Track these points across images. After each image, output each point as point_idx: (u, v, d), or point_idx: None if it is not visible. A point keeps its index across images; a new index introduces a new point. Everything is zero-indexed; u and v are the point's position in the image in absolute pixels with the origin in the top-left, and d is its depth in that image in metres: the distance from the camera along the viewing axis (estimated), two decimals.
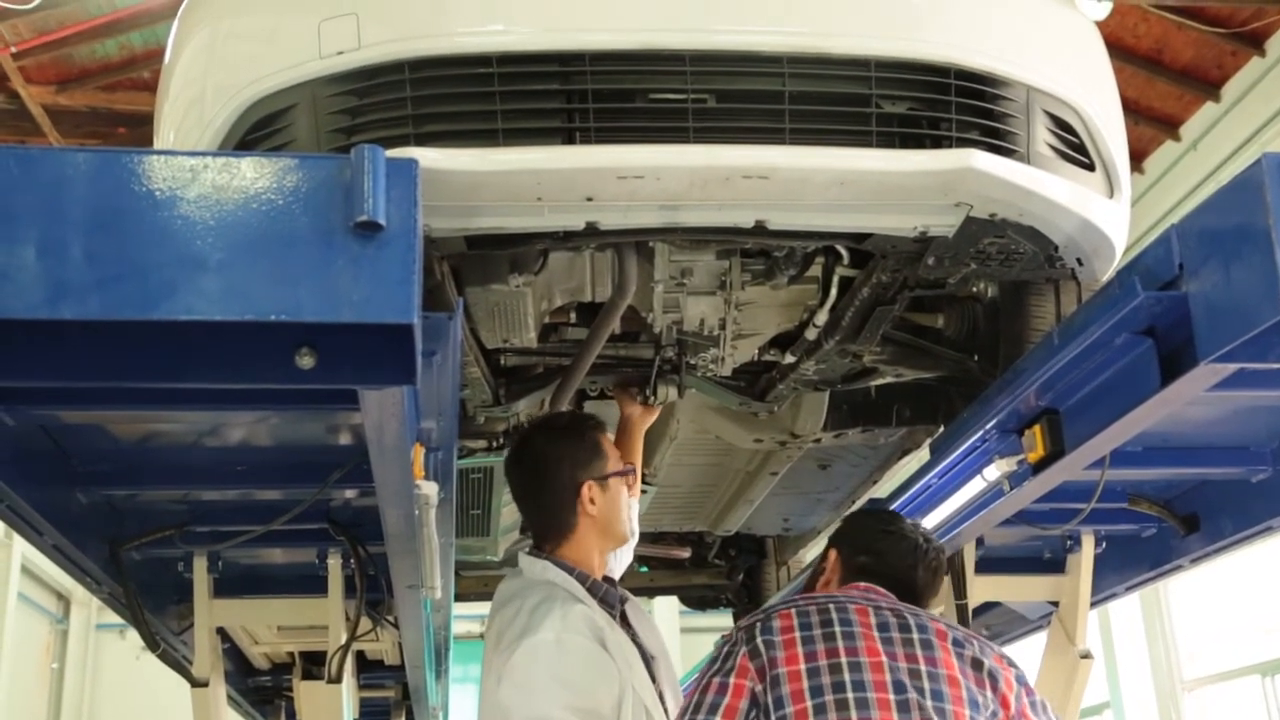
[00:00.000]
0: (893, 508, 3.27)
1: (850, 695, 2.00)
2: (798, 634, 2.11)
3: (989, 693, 2.09)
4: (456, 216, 2.27)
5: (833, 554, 2.46)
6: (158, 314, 1.59)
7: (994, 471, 2.74)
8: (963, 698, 2.05)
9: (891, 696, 2.00)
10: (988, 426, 2.72)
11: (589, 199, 2.27)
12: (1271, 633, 9.59)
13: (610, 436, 2.74)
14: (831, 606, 2.18)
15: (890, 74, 2.30)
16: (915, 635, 2.13)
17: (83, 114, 10.02)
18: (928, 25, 2.33)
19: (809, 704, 2.00)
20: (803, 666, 2.05)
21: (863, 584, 2.32)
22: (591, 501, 2.50)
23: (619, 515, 2.58)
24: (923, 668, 2.06)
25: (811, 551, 4.91)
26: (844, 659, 2.05)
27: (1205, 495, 3.04)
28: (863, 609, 2.17)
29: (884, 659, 2.06)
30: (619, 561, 2.83)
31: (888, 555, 2.39)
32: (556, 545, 2.52)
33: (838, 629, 2.11)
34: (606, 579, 2.57)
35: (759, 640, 2.11)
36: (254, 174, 1.66)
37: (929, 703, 2.01)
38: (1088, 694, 3.60)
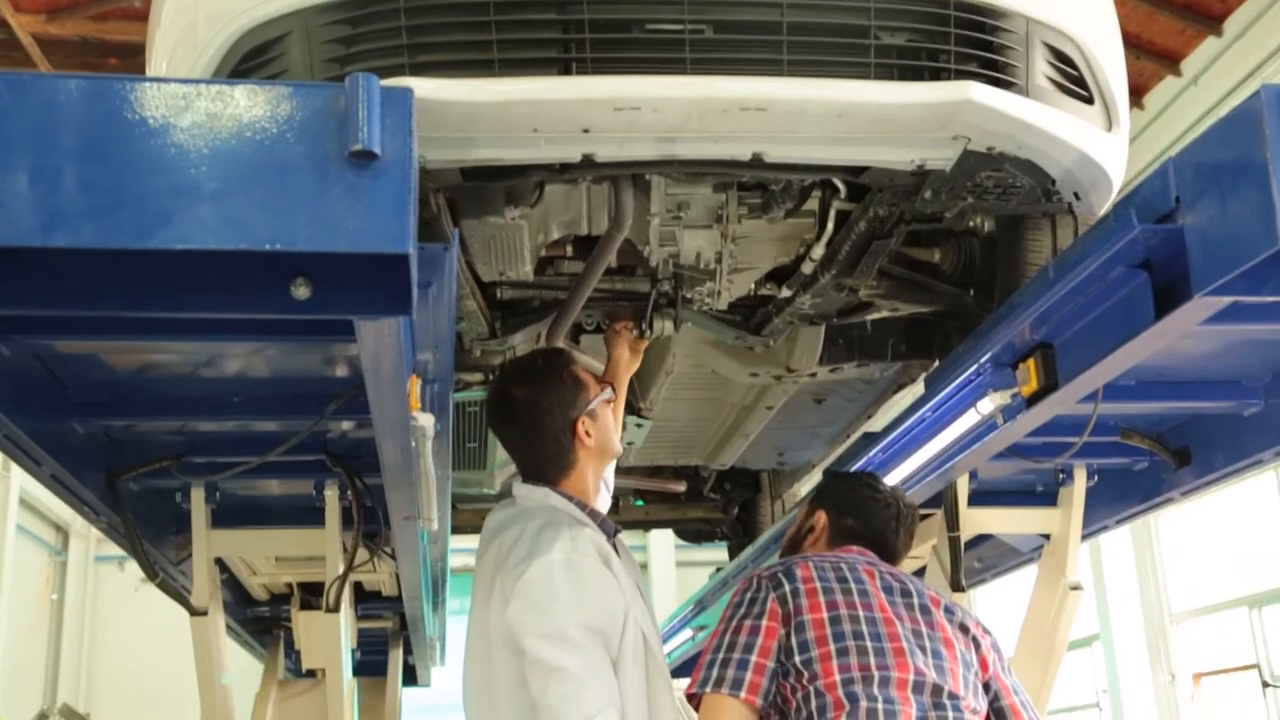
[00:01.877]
0: (887, 441, 3.29)
1: (869, 644, 2.17)
2: (818, 584, 2.27)
3: (973, 654, 2.31)
4: (452, 148, 2.26)
5: (821, 516, 2.60)
6: (152, 243, 1.58)
7: (988, 405, 2.76)
8: (957, 657, 2.25)
9: (904, 644, 2.18)
10: (982, 360, 2.73)
11: (585, 130, 2.26)
12: (1260, 565, 9.68)
13: (580, 365, 2.70)
14: (844, 565, 2.35)
15: (889, 5, 2.28)
16: (915, 600, 2.32)
17: (73, 44, 9.93)
18: None
19: (833, 647, 2.16)
20: (825, 614, 2.21)
21: (855, 547, 2.49)
22: (587, 434, 2.49)
23: (610, 436, 2.62)
24: (924, 629, 2.25)
25: (805, 486, 4.94)
26: (861, 612, 2.23)
27: (1197, 429, 3.06)
28: (870, 570, 2.35)
29: (893, 616, 2.24)
30: (607, 486, 2.86)
31: (873, 520, 2.55)
32: (557, 481, 2.49)
33: (853, 585, 2.28)
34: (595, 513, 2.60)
35: (786, 588, 2.25)
36: (248, 102, 1.64)
37: (931, 660, 2.19)
38: (1077, 626, 3.64)
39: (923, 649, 2.23)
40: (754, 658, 2.19)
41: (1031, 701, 2.43)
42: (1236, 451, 2.96)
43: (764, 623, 2.23)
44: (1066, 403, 2.62)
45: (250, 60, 2.27)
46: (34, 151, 1.59)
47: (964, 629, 2.35)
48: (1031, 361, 2.60)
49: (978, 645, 2.35)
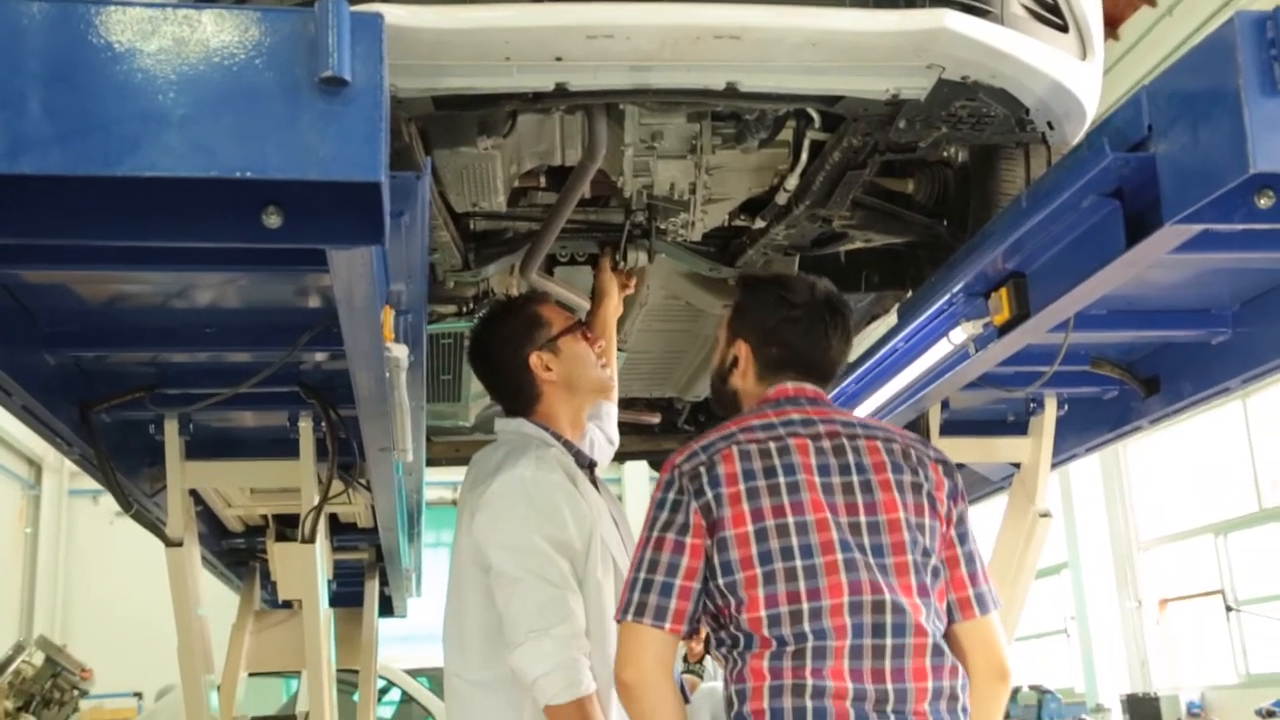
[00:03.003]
0: (860, 371, 3.31)
1: (799, 563, 1.94)
2: (742, 486, 2.01)
3: (926, 518, 2.05)
4: (423, 76, 2.24)
5: (742, 346, 2.27)
6: (120, 170, 1.57)
7: (960, 334, 2.78)
8: (904, 542, 2.00)
9: (839, 557, 1.95)
10: (955, 290, 2.74)
11: (558, 59, 2.24)
12: (1225, 493, 9.83)
13: (553, 305, 2.81)
14: (772, 446, 2.06)
15: None
16: (855, 478, 2.04)
17: None
18: None
19: (759, 571, 1.95)
20: (750, 528, 1.98)
21: (790, 387, 2.19)
22: (547, 369, 2.63)
23: (581, 369, 2.67)
24: (863, 519, 2.00)
25: None
26: (790, 518, 1.97)
27: (1166, 358, 3.09)
28: (802, 444, 2.06)
29: (827, 515, 1.98)
30: (605, 434, 2.92)
31: (798, 345, 2.23)
32: (527, 413, 2.65)
33: (781, 479, 2.01)
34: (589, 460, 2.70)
35: (708, 495, 2.01)
36: (215, 27, 1.62)
37: (871, 559, 1.96)
38: (1047, 554, 3.70)
39: (860, 546, 1.97)
40: (678, 581, 1.99)
41: (983, 561, 2.13)
42: (1205, 379, 2.99)
43: (688, 540, 2.00)
44: (1038, 332, 2.64)
45: None
46: None
47: (916, 488, 2.06)
48: (1004, 291, 2.62)
49: (932, 504, 2.06)
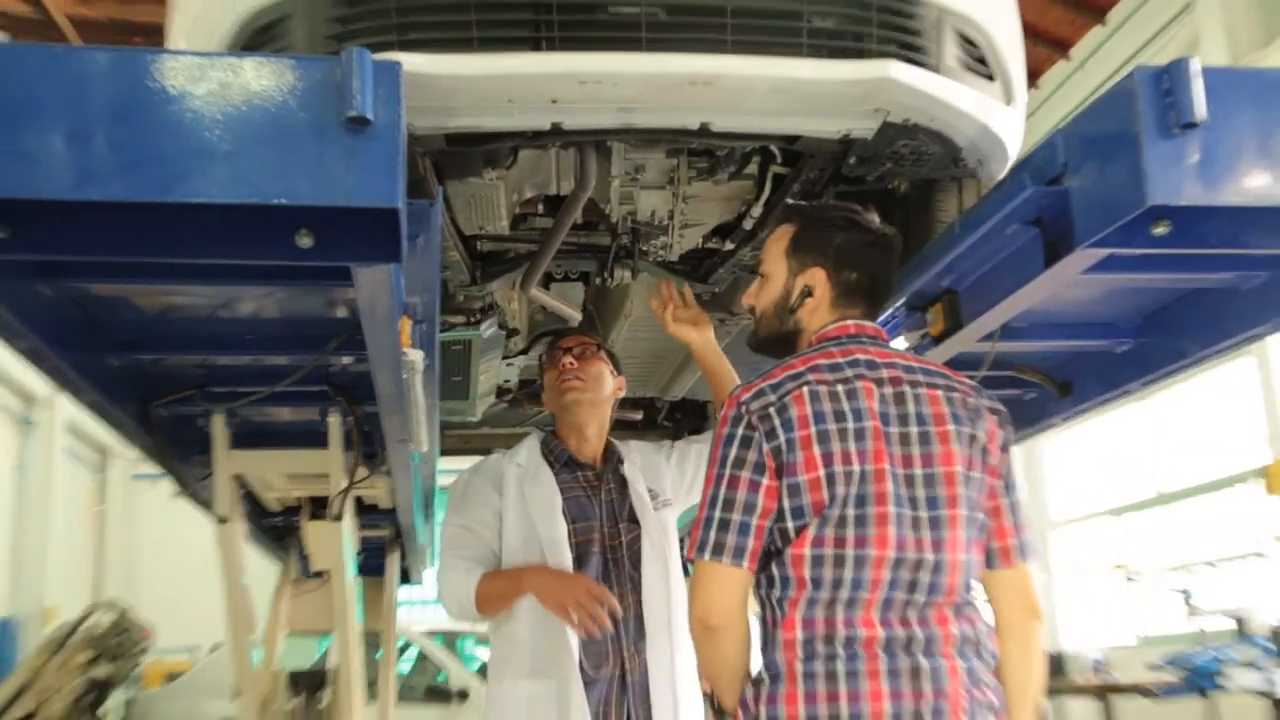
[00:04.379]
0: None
1: (851, 511, 1.75)
2: (813, 430, 1.78)
3: (978, 471, 1.85)
4: (436, 116, 2.23)
5: (820, 273, 1.99)
6: (173, 196, 1.57)
7: (902, 342, 2.77)
8: (957, 495, 1.81)
9: (890, 509, 1.76)
10: (897, 305, 2.74)
11: (554, 101, 2.23)
12: (1123, 481, 9.88)
13: (565, 340, 2.92)
14: (841, 390, 1.82)
15: None
16: (914, 429, 1.83)
17: (103, 24, 9.72)
18: None
19: (829, 512, 1.76)
20: (821, 473, 1.76)
21: (851, 324, 1.96)
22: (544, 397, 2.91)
23: (548, 395, 2.89)
24: (918, 470, 1.80)
25: None
26: (856, 466, 1.77)
27: (1077, 364, 3.09)
28: (869, 389, 1.83)
29: (886, 465, 1.78)
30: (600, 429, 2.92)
31: (875, 270, 2.01)
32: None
33: (850, 425, 1.79)
34: (573, 459, 2.79)
35: (781, 439, 1.79)
36: (255, 73, 1.62)
37: (924, 513, 1.78)
38: None
39: (914, 502, 1.78)
40: (754, 520, 1.77)
41: (1024, 510, 1.94)
42: (1109, 383, 2.98)
43: (764, 482, 1.77)
44: (968, 341, 2.63)
45: (258, 37, 2.22)
46: (68, 116, 1.56)
47: (972, 440, 1.86)
48: (939, 306, 2.61)
49: (985, 456, 1.87)
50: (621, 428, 5.51)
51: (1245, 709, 7.05)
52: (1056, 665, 9.02)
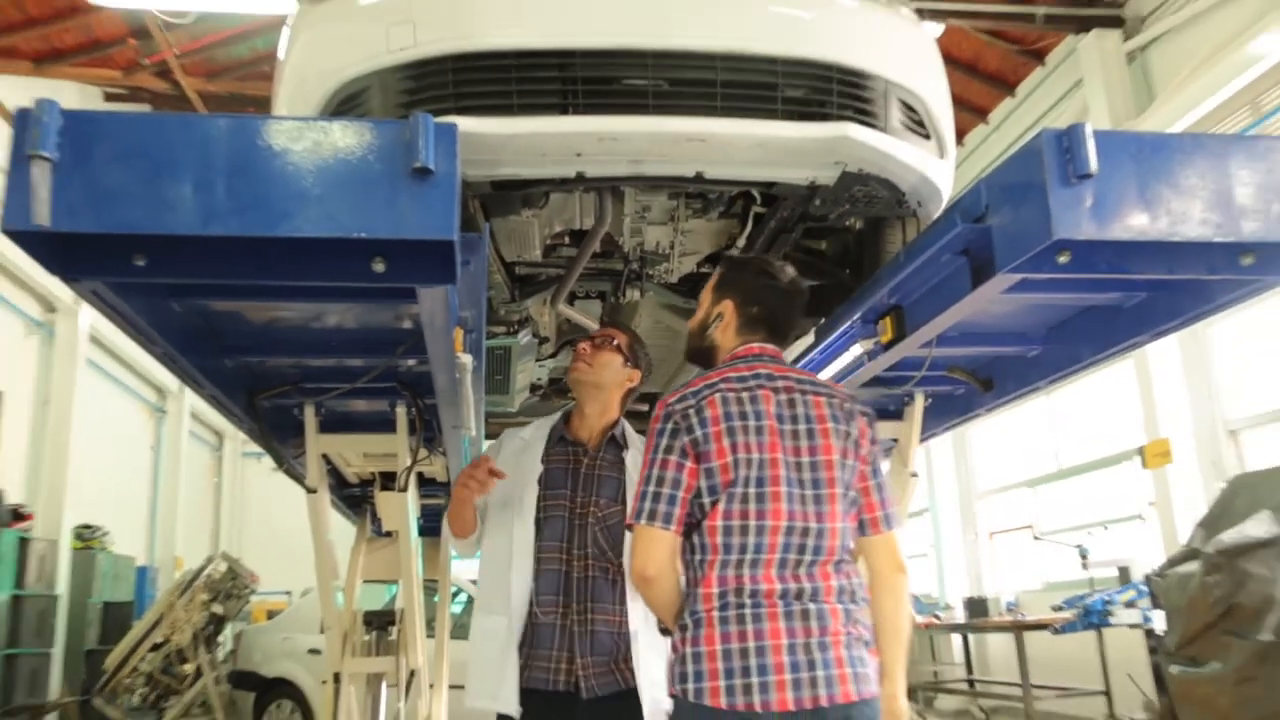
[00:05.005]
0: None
1: (752, 490, 1.82)
2: (723, 426, 1.86)
3: (850, 459, 1.90)
4: (484, 166, 2.24)
5: (728, 304, 2.05)
6: (276, 231, 1.57)
7: (858, 349, 2.77)
8: (834, 478, 1.87)
9: (782, 489, 1.82)
10: (854, 318, 2.73)
11: (578, 154, 2.24)
12: (1034, 458, 9.85)
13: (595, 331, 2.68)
14: (745, 395, 1.90)
15: (792, 69, 2.26)
16: (802, 426, 1.89)
17: (224, 98, 9.83)
18: (819, 36, 2.29)
19: (725, 493, 1.83)
20: (730, 459, 1.84)
21: (756, 345, 2.01)
22: None
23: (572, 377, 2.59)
24: (805, 459, 1.86)
25: None
26: (755, 454, 1.84)
27: (998, 365, 3.09)
28: (767, 395, 1.90)
29: (780, 455, 1.85)
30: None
31: (778, 309, 2.05)
32: None
33: (751, 422, 1.87)
34: (564, 437, 2.53)
35: (698, 433, 1.85)
36: (341, 134, 1.63)
37: (808, 491, 1.85)
38: (915, 501, 3.69)
39: (801, 483, 1.84)
40: (680, 493, 1.83)
41: (889, 491, 1.99)
42: (1023, 381, 2.98)
43: (687, 464, 1.84)
44: (910, 348, 2.63)
45: (343, 105, 2.24)
46: (196, 169, 1.58)
47: (846, 435, 1.91)
48: (887, 319, 2.61)
49: (856, 446, 1.92)
50: (631, 416, 5.52)
51: (1126, 639, 7.12)
52: (979, 607, 8.98)
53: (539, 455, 2.49)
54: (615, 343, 2.60)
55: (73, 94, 9.67)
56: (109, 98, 10.04)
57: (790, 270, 2.09)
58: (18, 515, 8.46)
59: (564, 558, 2.35)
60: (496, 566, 2.42)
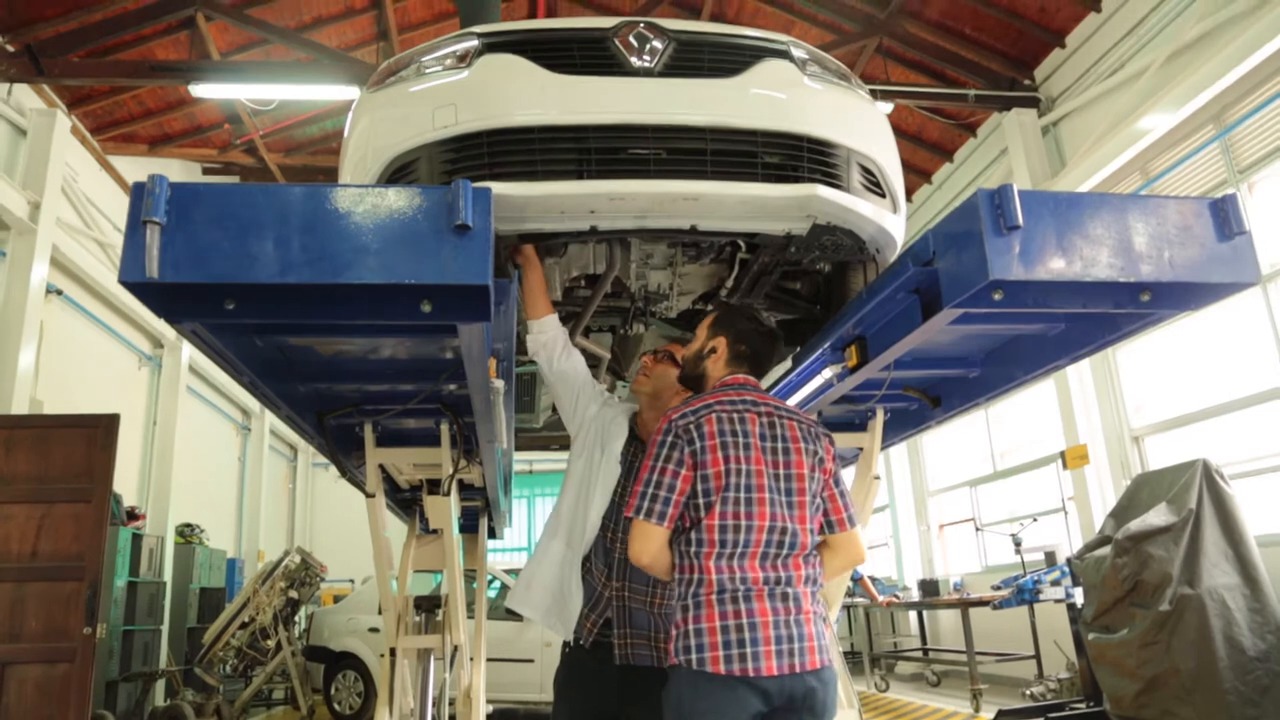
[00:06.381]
0: (771, 393, 3.26)
1: (743, 495, 1.90)
2: (718, 440, 1.92)
3: (817, 473, 1.98)
4: (513, 222, 2.23)
5: (721, 340, 2.13)
6: (341, 279, 1.57)
7: (828, 372, 2.75)
8: (804, 489, 1.94)
9: (766, 495, 1.91)
10: (824, 346, 2.72)
11: (592, 212, 2.24)
12: (975, 462, 9.78)
13: (649, 356, 2.60)
14: (735, 416, 1.96)
15: (770, 140, 2.26)
16: (779, 444, 1.95)
17: (299, 169, 9.99)
18: (792, 112, 2.29)
19: (719, 496, 1.89)
20: (723, 468, 1.90)
21: (741, 376, 2.09)
22: None
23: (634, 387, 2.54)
24: (782, 471, 1.94)
25: None
26: (744, 465, 1.91)
27: (945, 385, 3.07)
28: (753, 418, 1.97)
29: (763, 467, 1.93)
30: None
31: (760, 349, 2.12)
32: None
33: (740, 439, 1.93)
34: (633, 433, 2.51)
35: (696, 445, 1.92)
36: (395, 197, 1.63)
37: (783, 498, 1.92)
38: (877, 500, 3.65)
39: (778, 491, 1.90)
40: (674, 496, 1.90)
41: (850, 496, 2.04)
42: (966, 398, 2.96)
43: (683, 471, 1.90)
44: (872, 371, 2.61)
45: (397, 174, 2.24)
46: (275, 228, 1.59)
47: (814, 453, 1.97)
48: (853, 347, 2.59)
49: (821, 463, 1.98)
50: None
51: (1052, 612, 7.16)
52: (931, 588, 8.89)
53: (625, 428, 2.45)
54: (673, 357, 2.60)
55: (178, 169, 9.83)
56: (206, 171, 10.21)
57: (771, 320, 2.20)
58: (132, 516, 8.55)
59: (608, 535, 2.36)
60: (577, 503, 2.37)
